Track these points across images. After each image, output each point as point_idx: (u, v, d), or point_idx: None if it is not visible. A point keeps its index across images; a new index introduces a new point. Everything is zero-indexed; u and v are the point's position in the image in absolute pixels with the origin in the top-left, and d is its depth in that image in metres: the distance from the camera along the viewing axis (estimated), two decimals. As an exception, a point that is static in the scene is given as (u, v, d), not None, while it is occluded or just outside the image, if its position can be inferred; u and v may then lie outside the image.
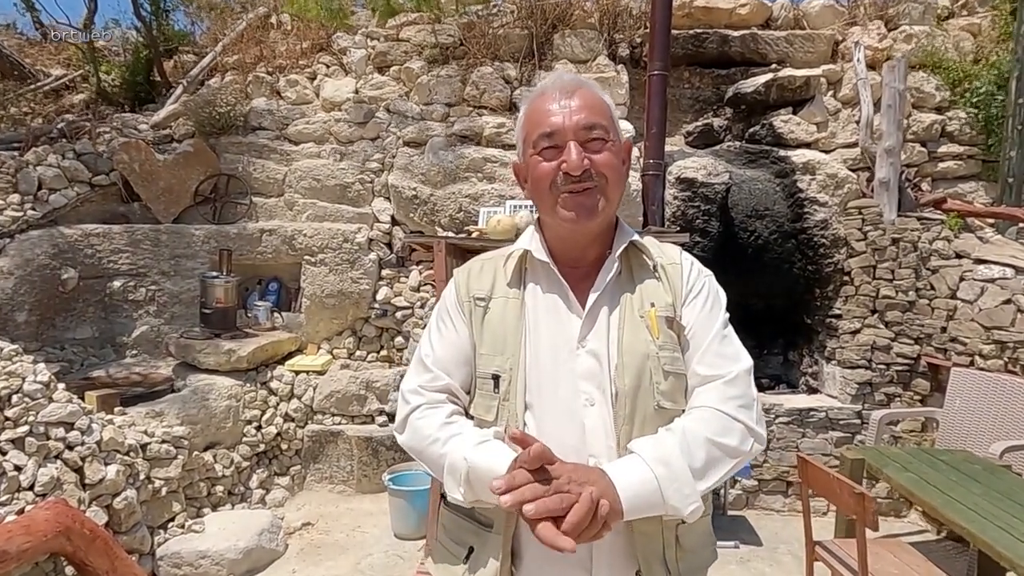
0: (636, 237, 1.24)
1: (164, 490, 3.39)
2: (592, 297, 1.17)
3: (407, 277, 4.77)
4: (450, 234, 4.44)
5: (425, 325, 4.78)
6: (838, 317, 4.46)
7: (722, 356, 1.15)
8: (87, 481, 2.97)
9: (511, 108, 5.02)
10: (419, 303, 4.67)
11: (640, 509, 0.99)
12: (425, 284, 4.71)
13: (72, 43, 6.50)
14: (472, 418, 1.19)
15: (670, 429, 1.08)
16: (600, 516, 0.92)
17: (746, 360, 1.16)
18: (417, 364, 1.26)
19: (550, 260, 1.21)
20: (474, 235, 3.84)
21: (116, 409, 3.53)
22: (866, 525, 2.11)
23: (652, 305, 1.17)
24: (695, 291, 1.21)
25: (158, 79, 6.02)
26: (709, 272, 1.27)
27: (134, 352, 4.59)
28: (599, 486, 0.96)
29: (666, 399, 1.12)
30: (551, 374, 1.14)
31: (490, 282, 1.25)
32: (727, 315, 1.22)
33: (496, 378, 1.16)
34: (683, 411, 1.13)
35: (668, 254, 1.26)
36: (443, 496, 1.25)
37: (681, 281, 1.21)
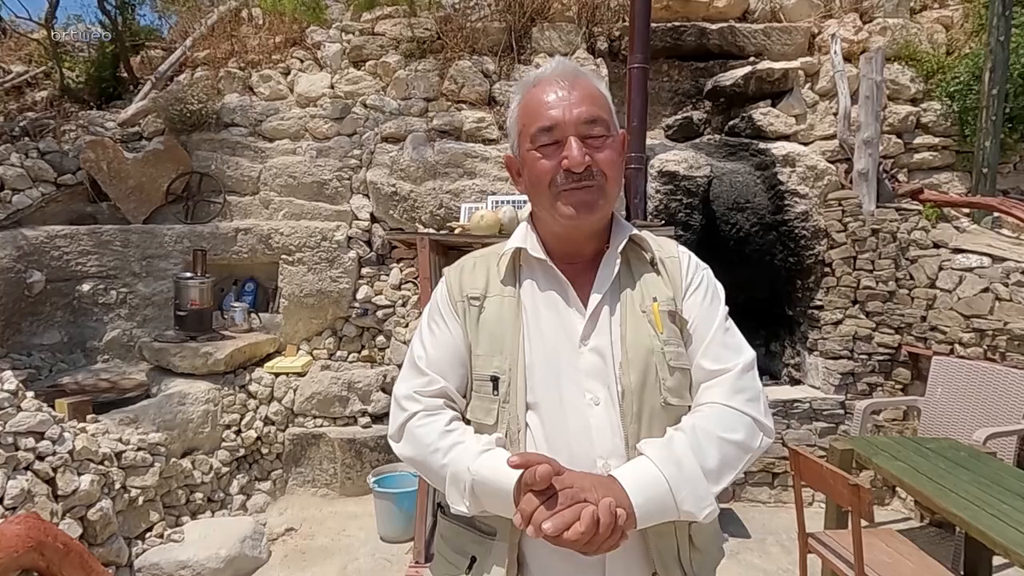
0: (634, 231, 1.21)
1: (141, 499, 3.28)
2: (596, 296, 1.14)
3: (388, 275, 4.69)
4: (431, 230, 4.38)
5: (407, 324, 4.69)
6: (820, 308, 4.49)
7: (726, 348, 1.13)
8: (60, 492, 2.85)
9: (491, 102, 4.96)
10: (400, 301, 4.59)
11: (653, 515, 0.96)
12: (406, 282, 4.64)
13: (33, 38, 6.27)
14: (469, 422, 1.14)
15: (680, 428, 1.05)
16: (619, 526, 0.89)
17: (749, 352, 1.15)
18: (410, 367, 1.20)
19: (547, 257, 1.17)
20: (457, 231, 3.78)
21: (88, 417, 3.40)
22: (862, 517, 2.10)
23: (654, 300, 1.14)
24: (695, 284, 1.19)
25: (125, 75, 5.84)
26: (706, 265, 1.25)
27: (105, 357, 4.45)
28: (611, 494, 0.93)
29: (672, 395, 1.09)
30: (553, 373, 1.10)
31: (484, 280, 1.21)
32: (727, 308, 1.20)
33: (495, 380, 1.11)
34: (689, 407, 1.11)
35: (665, 248, 1.24)
36: (440, 506, 1.21)
37: (680, 274, 1.19)
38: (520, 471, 0.94)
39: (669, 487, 0.96)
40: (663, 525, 1.02)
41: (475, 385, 1.14)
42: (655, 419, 1.07)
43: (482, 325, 1.16)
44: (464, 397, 1.17)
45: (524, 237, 1.21)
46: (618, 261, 1.16)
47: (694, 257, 1.24)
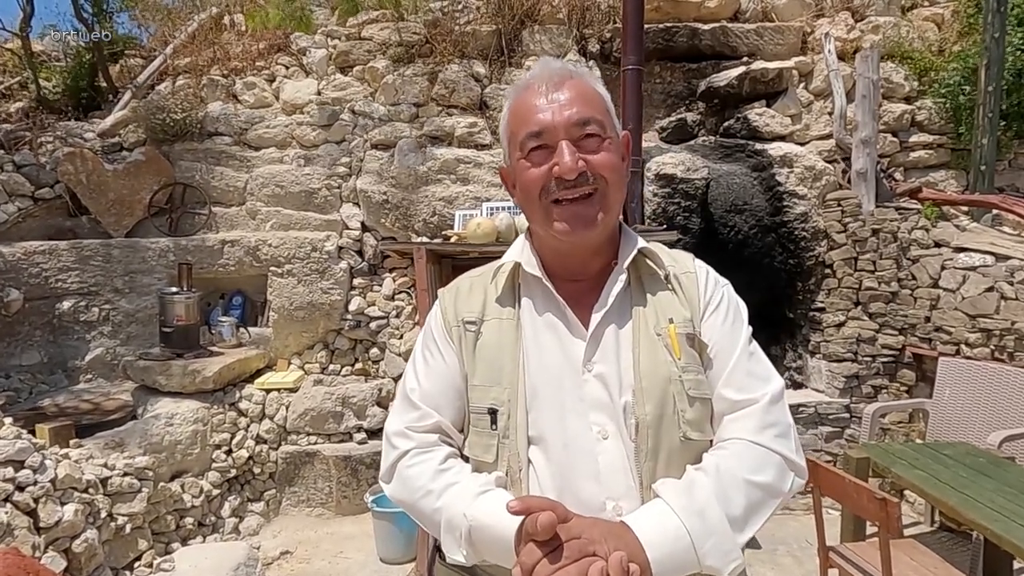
0: (644, 244, 1.10)
1: (128, 527, 3.12)
2: (596, 316, 1.03)
3: (380, 285, 4.56)
4: (425, 239, 4.27)
5: (402, 335, 4.55)
6: (821, 310, 4.43)
7: (752, 376, 1.02)
8: (42, 524, 2.70)
9: (482, 107, 4.86)
10: (394, 312, 4.46)
11: (671, 571, 0.85)
12: (400, 292, 4.51)
13: (7, 48, 6.08)
14: (467, 459, 1.04)
15: (701, 469, 0.94)
16: None
17: (777, 381, 1.04)
18: (402, 400, 1.10)
19: (543, 275, 1.06)
20: (452, 239, 3.67)
21: (72, 442, 3.24)
22: (889, 532, 2.02)
23: (670, 321, 1.03)
24: (714, 303, 1.08)
25: (103, 85, 5.67)
26: (726, 280, 1.14)
27: (88, 377, 4.28)
28: (624, 546, 0.82)
29: (693, 429, 0.98)
30: (556, 404, 1.00)
31: (480, 302, 1.10)
32: (750, 328, 1.08)
33: (493, 413, 1.01)
34: (710, 441, 1.01)
35: (681, 262, 1.13)
36: (438, 549, 1.09)
37: (698, 292, 1.08)
38: (522, 517, 0.83)
39: (691, 540, 0.85)
40: None
41: (472, 419, 1.04)
42: (673, 456, 0.97)
43: (479, 352, 1.06)
44: (461, 432, 1.07)
45: (520, 251, 1.11)
46: (623, 277, 1.06)
47: (712, 272, 1.14)
